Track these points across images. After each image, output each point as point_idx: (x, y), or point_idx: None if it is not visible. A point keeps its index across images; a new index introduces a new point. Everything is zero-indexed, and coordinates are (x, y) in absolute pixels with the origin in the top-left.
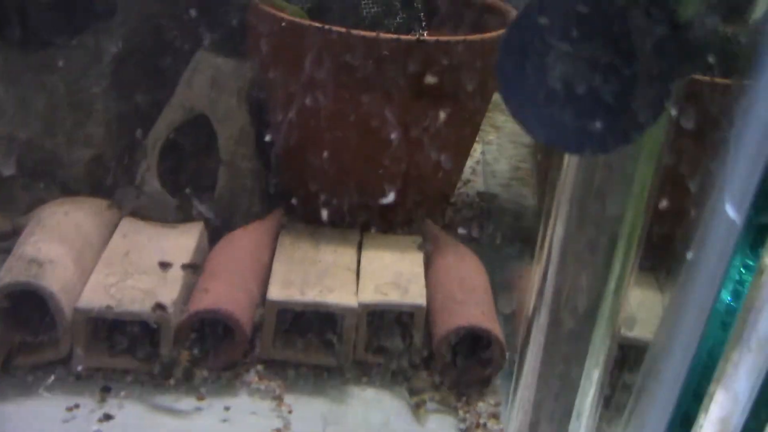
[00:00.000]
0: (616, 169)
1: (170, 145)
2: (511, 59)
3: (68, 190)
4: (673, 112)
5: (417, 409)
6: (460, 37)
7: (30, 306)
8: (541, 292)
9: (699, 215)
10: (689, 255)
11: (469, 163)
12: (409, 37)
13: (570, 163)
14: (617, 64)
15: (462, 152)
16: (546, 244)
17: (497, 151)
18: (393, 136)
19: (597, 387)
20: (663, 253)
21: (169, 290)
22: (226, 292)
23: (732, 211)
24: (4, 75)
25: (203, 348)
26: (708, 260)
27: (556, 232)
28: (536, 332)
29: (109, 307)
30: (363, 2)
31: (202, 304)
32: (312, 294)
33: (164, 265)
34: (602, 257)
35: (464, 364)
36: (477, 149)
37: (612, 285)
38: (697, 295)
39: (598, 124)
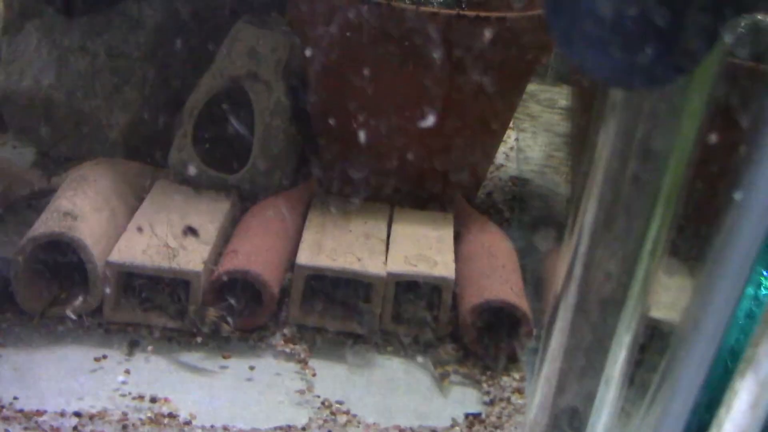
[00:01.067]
0: (662, 118)
1: (207, 114)
2: None
3: (105, 152)
4: (729, 39)
5: (441, 380)
6: (500, 14)
7: (65, 259)
8: (570, 270)
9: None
10: (737, 195)
11: (503, 149)
12: (448, 10)
13: (610, 118)
14: None
15: (497, 132)
16: (577, 222)
17: (531, 139)
18: (429, 111)
19: (623, 364)
20: (697, 242)
21: (200, 251)
22: (255, 254)
23: None
24: (47, 38)
25: (232, 308)
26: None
27: (588, 210)
28: (563, 311)
29: (141, 262)
30: None
31: (231, 264)
32: (341, 261)
33: (191, 231)
34: (634, 235)
35: (491, 338)
36: (511, 136)
37: (642, 266)
38: (729, 271)
39: (649, 55)
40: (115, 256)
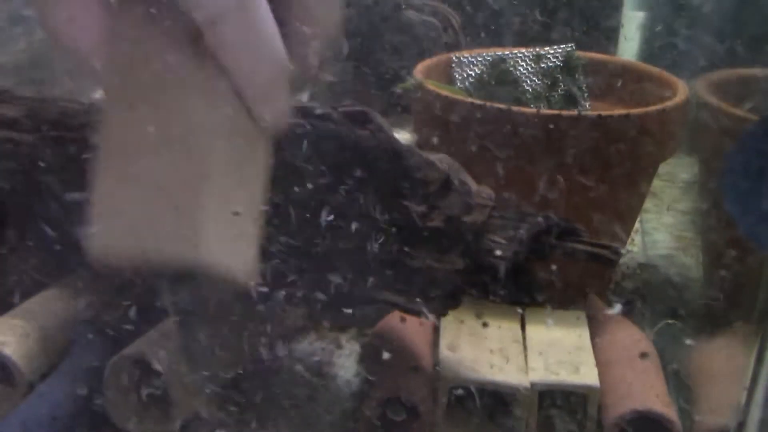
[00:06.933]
0: None
1: None
2: (740, 177)
3: None
4: None
5: None
6: (623, 111)
7: None
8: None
9: None
10: None
11: None
12: (570, 112)
13: None
14: None
15: (625, 227)
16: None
17: (656, 220)
18: (555, 211)
19: None
20: None
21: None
22: (402, 372)
23: None
24: None
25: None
26: None
27: None
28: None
29: None
30: (524, 76)
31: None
32: (483, 371)
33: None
34: None
35: None
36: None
37: None
38: None
39: None
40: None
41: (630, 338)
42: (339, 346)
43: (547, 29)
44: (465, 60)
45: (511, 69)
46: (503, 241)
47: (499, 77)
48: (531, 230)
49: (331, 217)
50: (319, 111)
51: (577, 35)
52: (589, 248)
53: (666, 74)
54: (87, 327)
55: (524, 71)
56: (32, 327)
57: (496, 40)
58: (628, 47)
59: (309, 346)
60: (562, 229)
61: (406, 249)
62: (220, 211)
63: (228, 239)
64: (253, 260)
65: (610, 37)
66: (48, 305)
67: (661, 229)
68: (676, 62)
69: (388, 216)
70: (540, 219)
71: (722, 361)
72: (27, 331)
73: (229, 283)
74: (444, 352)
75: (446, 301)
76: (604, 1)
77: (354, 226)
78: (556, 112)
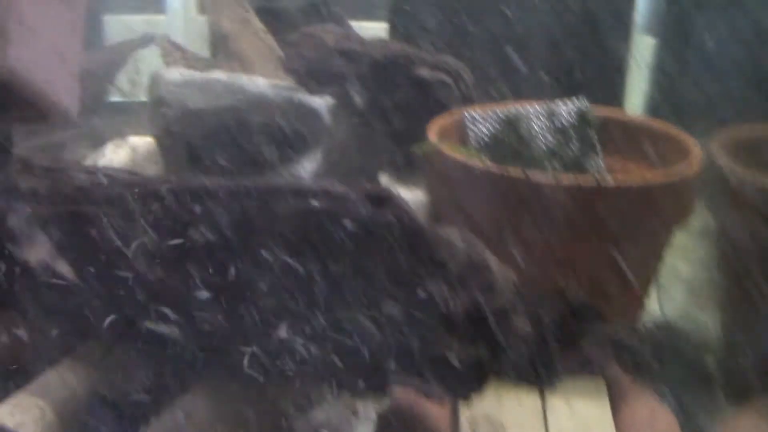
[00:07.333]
0: None
1: None
2: None
3: None
4: None
5: None
6: (641, 181)
7: None
8: None
9: None
10: None
11: None
12: (588, 181)
13: None
14: None
15: (641, 291)
16: None
17: (671, 273)
18: (570, 278)
19: None
20: None
21: None
22: None
23: None
24: None
25: None
26: None
27: None
28: None
29: None
30: (539, 133)
31: None
32: None
33: None
34: None
35: None
36: None
37: None
38: None
39: None
40: None
41: (650, 410)
42: (354, 413)
43: (555, 76)
44: (478, 117)
45: (525, 126)
46: (526, 325)
47: (513, 136)
48: (553, 314)
49: (350, 301)
50: (337, 192)
51: (585, 79)
52: (609, 332)
53: (680, 133)
54: (102, 404)
55: (538, 129)
56: (47, 404)
57: (508, 84)
58: (637, 82)
59: (324, 413)
60: (583, 310)
61: (428, 334)
62: (33, 21)
63: (44, 51)
64: (73, 80)
65: (617, 77)
66: (63, 379)
67: (676, 283)
68: (686, 112)
69: (410, 300)
70: (561, 301)
71: None
72: (43, 409)
73: (43, 100)
74: (463, 428)
75: (469, 386)
76: (611, 31)
77: (374, 310)
78: (574, 182)
